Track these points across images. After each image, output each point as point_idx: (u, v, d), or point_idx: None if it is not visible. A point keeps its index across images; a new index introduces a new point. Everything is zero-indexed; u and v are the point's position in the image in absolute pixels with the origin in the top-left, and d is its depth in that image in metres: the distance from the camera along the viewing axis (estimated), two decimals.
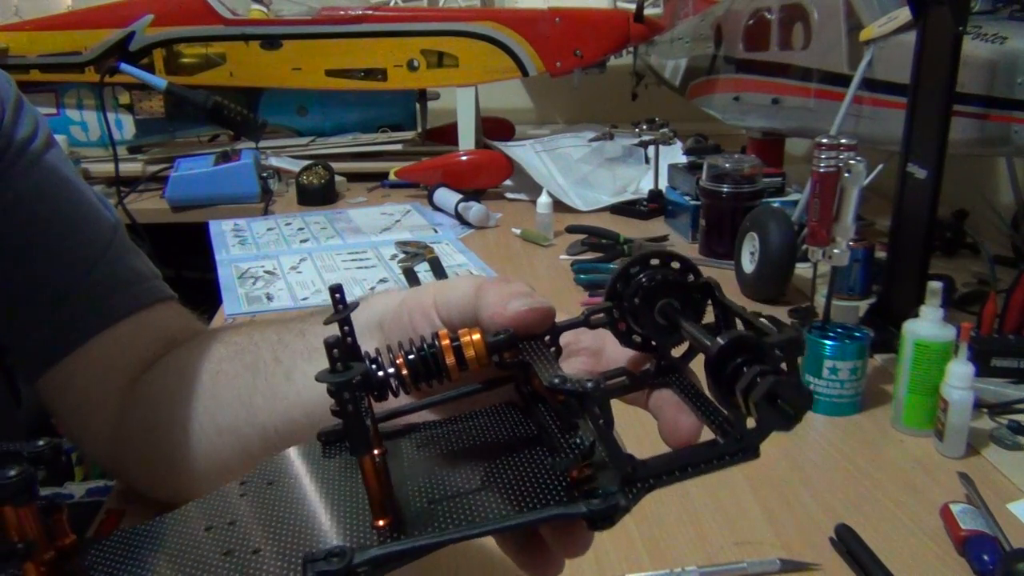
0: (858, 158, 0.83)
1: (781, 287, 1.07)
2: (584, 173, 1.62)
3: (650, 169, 1.56)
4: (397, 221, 1.49)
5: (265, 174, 1.69)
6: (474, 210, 1.45)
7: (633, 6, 1.80)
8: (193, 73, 1.80)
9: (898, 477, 0.70)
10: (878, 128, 1.07)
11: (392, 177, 1.69)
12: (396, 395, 0.34)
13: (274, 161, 1.74)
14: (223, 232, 1.44)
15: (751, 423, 0.29)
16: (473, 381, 0.37)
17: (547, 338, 0.35)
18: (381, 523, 0.28)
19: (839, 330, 0.82)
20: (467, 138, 1.72)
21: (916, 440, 0.76)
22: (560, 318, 0.36)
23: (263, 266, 1.25)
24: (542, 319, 0.35)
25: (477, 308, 0.37)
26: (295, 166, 1.70)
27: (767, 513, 0.65)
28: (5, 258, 0.56)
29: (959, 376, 0.72)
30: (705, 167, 1.25)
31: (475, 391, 0.37)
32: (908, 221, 0.90)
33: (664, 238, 1.36)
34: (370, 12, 1.76)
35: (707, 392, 0.31)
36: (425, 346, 0.34)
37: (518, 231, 1.41)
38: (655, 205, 1.48)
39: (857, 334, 0.81)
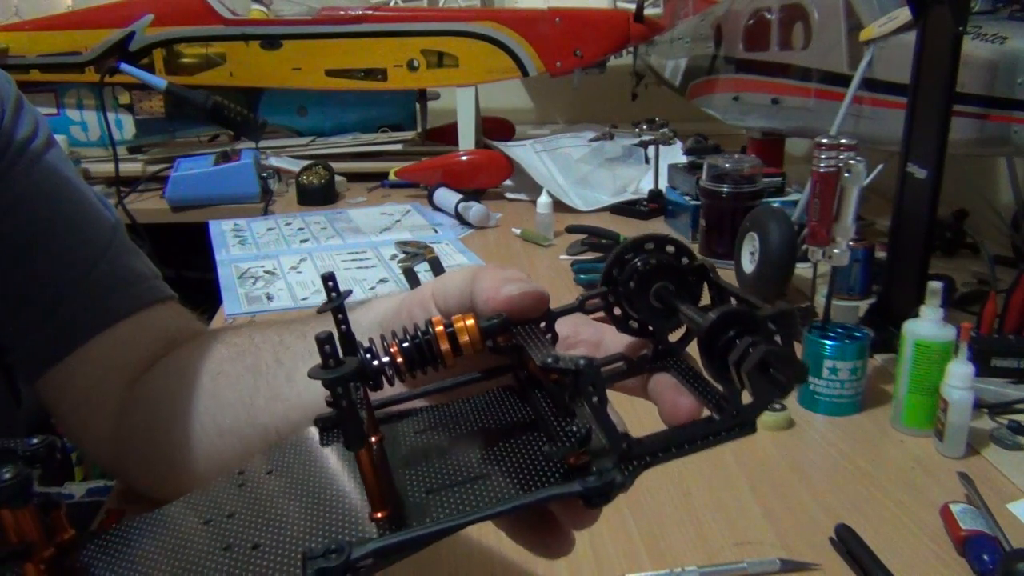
0: (858, 158, 0.83)
1: (781, 287, 1.07)
2: (584, 173, 1.62)
3: (650, 169, 1.56)
4: (397, 221, 1.49)
5: (265, 174, 1.69)
6: (474, 210, 1.45)
7: (633, 6, 1.80)
8: (193, 73, 1.80)
9: (898, 477, 0.70)
10: (878, 128, 1.07)
11: (392, 177, 1.69)
12: (392, 383, 0.34)
13: (274, 161, 1.73)
14: (223, 232, 1.44)
15: (747, 400, 0.29)
16: (470, 370, 0.37)
17: (543, 324, 0.35)
18: (379, 515, 0.28)
19: (839, 330, 0.82)
20: (467, 138, 1.72)
21: (916, 440, 0.76)
22: None
23: (263, 266, 1.25)
24: (535, 303, 0.35)
25: (472, 295, 0.37)
26: (295, 166, 1.70)
27: (767, 513, 0.65)
28: (5, 258, 0.56)
29: (959, 376, 0.72)
30: (705, 167, 1.25)
31: (472, 380, 0.37)
32: (908, 221, 0.90)
33: None
34: (370, 12, 1.76)
35: (705, 373, 0.31)
36: (419, 333, 0.34)
37: (518, 231, 1.41)
38: (655, 205, 1.48)
39: (857, 334, 0.81)
